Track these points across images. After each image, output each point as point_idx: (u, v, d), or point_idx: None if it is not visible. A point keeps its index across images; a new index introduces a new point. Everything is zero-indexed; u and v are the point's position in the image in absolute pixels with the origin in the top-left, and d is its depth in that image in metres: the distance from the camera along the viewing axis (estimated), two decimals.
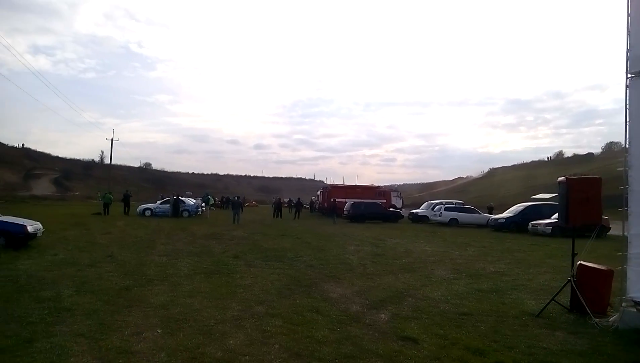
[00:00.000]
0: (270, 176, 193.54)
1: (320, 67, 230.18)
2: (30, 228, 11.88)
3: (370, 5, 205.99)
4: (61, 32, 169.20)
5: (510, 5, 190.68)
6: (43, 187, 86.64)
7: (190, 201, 31.95)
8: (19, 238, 11.63)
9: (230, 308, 6.37)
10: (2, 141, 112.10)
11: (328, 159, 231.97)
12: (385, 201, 35.53)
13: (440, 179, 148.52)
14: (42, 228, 12.75)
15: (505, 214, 24.43)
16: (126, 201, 30.47)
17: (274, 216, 31.86)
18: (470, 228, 25.71)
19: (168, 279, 8.44)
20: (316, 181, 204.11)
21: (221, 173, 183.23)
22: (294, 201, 41.55)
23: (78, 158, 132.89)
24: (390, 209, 32.43)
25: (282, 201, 34.00)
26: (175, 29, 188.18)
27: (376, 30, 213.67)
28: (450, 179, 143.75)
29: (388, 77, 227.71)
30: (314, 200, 44.11)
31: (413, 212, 31.09)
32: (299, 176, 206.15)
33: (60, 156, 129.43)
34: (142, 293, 7.18)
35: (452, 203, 30.35)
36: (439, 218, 27.24)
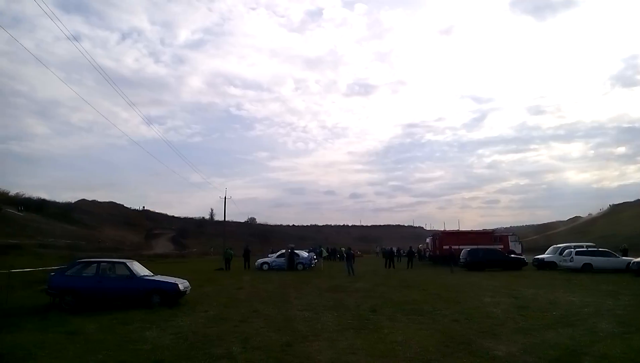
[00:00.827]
0: (368, 224, 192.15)
1: (410, 111, 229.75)
2: (181, 286, 12.83)
3: (456, 45, 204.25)
4: (170, 102, 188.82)
5: (616, 24, 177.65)
6: (163, 245, 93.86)
7: (304, 253, 32.65)
8: (171, 296, 12.58)
9: None
10: (125, 205, 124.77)
11: (425, 204, 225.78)
12: (502, 246, 33.50)
13: (554, 220, 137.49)
14: (189, 285, 13.67)
15: None
16: (246, 256, 31.98)
17: (386, 266, 31.35)
18: (606, 274, 23.08)
19: (321, 334, 8.55)
20: (415, 227, 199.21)
21: (320, 223, 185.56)
22: (403, 251, 40.78)
23: (190, 216, 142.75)
24: (512, 255, 30.43)
25: (393, 250, 33.39)
26: (268, 89, 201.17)
27: (463, 65, 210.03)
28: (565, 219, 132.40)
29: (481, 116, 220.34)
30: (422, 248, 42.80)
31: (537, 258, 28.86)
32: (397, 224, 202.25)
33: (175, 215, 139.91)
34: (305, 349, 7.34)
35: (583, 246, 27.73)
36: (569, 263, 24.95)
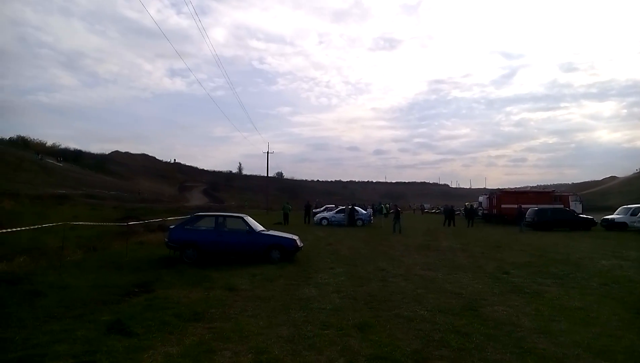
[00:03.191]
0: (393, 181, 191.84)
1: (435, 65, 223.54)
2: (298, 242, 12.63)
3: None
4: (194, 54, 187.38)
5: None
6: (197, 198, 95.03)
7: (362, 210, 32.46)
8: (290, 252, 12.41)
9: None
10: (157, 157, 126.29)
11: (450, 161, 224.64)
12: (562, 206, 32.71)
13: (583, 180, 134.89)
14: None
15: None
16: (308, 211, 31.94)
17: (444, 224, 31.00)
18: None
19: (489, 298, 8.14)
20: (441, 184, 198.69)
21: (344, 179, 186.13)
22: (460, 210, 40.20)
23: (219, 169, 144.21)
24: (581, 215, 29.71)
25: (453, 208, 32.93)
26: (291, 43, 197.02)
27: (493, 20, 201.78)
28: (598, 178, 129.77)
29: (511, 72, 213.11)
30: (473, 207, 41.95)
31: (607, 218, 28.05)
32: (422, 181, 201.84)
33: (205, 168, 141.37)
34: (497, 315, 6.95)
35: None
36: None
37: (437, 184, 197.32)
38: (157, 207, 51.29)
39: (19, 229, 9.25)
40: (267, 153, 57.85)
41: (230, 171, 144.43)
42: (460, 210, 48.40)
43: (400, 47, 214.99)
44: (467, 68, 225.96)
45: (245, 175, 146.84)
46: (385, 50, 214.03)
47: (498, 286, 9.34)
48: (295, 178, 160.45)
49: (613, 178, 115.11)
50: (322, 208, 42.23)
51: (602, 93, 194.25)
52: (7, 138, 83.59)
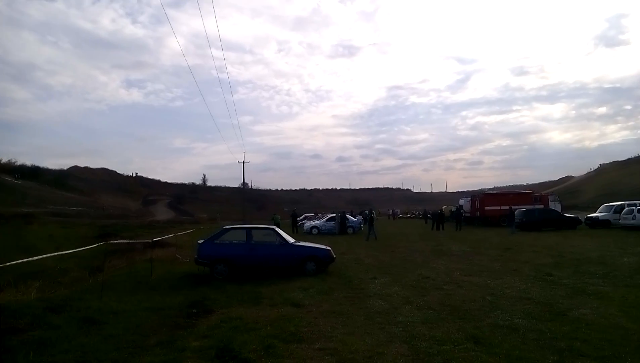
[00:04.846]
0: (357, 187, 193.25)
1: (394, 72, 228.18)
2: (332, 252, 12.24)
3: (441, 4, 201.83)
4: (151, 65, 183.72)
5: None
6: (162, 212, 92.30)
7: (352, 218, 32.28)
8: (325, 262, 12.01)
9: None
10: (118, 171, 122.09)
11: (410, 166, 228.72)
12: (542, 206, 33.69)
13: (536, 181, 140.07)
14: None
15: None
16: (294, 219, 31.43)
17: (433, 229, 31.28)
18: None
19: (562, 302, 8.08)
20: (404, 189, 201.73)
21: (308, 187, 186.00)
22: (429, 214, 40.57)
23: (181, 182, 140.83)
24: (567, 215, 30.65)
25: (442, 212, 33.25)
26: (250, 51, 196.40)
27: (448, 26, 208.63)
28: (553, 179, 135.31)
29: (465, 77, 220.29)
30: (460, 210, 42.44)
31: (591, 217, 29.09)
32: (385, 186, 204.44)
33: (168, 181, 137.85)
34: (587, 317, 6.87)
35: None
36: (631, 221, 25.09)
37: (400, 189, 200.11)
38: (129, 223, 49.41)
39: (62, 253, 8.37)
40: (243, 162, 57.24)
41: (194, 183, 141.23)
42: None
43: (359, 54, 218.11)
44: (423, 74, 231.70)
45: (210, 186, 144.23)
46: (345, 57, 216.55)
47: (557, 289, 9.24)
48: (260, 188, 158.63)
49: (569, 177, 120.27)
50: (301, 217, 41.85)
51: (552, 95, 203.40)
52: None
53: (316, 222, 32.02)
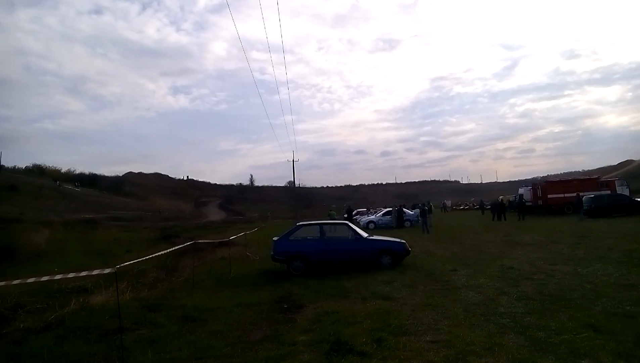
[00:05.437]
0: (403, 181, 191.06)
1: (436, 62, 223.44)
2: (407, 245, 12.04)
3: None
4: (196, 70, 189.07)
5: None
6: (214, 212, 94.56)
7: (409, 211, 31.85)
8: (401, 256, 11.82)
9: None
10: (170, 175, 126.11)
11: (457, 158, 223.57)
12: (609, 192, 32.01)
13: (592, 167, 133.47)
14: None
15: None
16: (350, 214, 31.40)
17: (494, 219, 30.36)
18: None
19: None
20: (451, 181, 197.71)
21: (353, 183, 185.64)
22: (487, 204, 39.49)
23: (228, 183, 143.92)
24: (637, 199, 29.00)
25: (503, 202, 32.25)
26: (290, 51, 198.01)
27: (491, 11, 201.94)
28: (610, 164, 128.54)
29: (512, 64, 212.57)
30: (510, 200, 41.17)
31: None
32: (433, 179, 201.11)
33: (217, 183, 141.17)
34: None
35: None
36: None
37: (447, 181, 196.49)
38: (186, 224, 50.90)
39: (161, 252, 8.60)
40: (293, 161, 57.08)
41: (241, 184, 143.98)
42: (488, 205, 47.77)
43: (399, 47, 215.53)
44: (468, 63, 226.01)
45: (257, 186, 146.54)
46: (385, 51, 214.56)
47: None
48: (306, 186, 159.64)
49: (630, 161, 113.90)
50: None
51: (606, 78, 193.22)
52: (23, 166, 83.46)
53: (372, 216, 31.80)
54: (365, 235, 12.16)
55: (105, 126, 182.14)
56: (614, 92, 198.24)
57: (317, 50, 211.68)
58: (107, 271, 5.60)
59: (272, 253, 11.86)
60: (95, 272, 5.58)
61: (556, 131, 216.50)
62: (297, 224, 12.76)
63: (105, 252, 21.64)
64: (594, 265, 10.22)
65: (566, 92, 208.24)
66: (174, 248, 8.96)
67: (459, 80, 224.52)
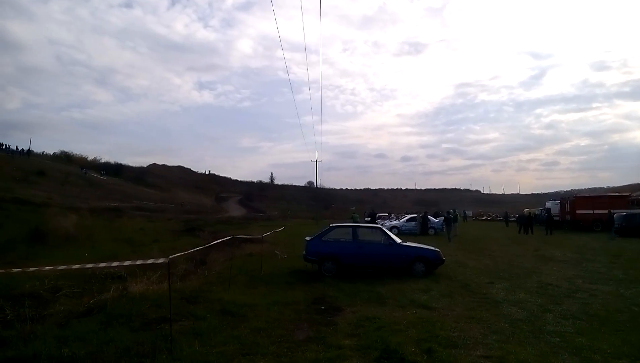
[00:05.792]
0: (423, 188, 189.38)
1: (462, 69, 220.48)
2: (442, 254, 11.86)
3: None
4: (221, 66, 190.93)
5: None
6: (234, 208, 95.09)
7: (434, 219, 31.51)
8: (435, 264, 11.65)
9: None
10: (193, 169, 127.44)
11: (479, 167, 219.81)
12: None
13: (617, 184, 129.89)
14: None
15: None
16: (373, 218, 31.21)
17: (520, 232, 29.83)
18: None
19: None
20: (472, 191, 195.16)
21: (372, 187, 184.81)
22: (514, 216, 38.83)
23: (249, 179, 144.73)
24: None
25: (531, 215, 31.63)
26: (315, 51, 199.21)
27: (520, 19, 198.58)
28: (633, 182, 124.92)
29: (540, 73, 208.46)
30: (536, 213, 40.30)
31: None
32: (453, 187, 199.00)
33: (238, 179, 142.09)
34: None
35: None
36: None
37: (468, 190, 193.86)
38: (208, 218, 51.30)
39: (207, 245, 8.59)
40: (317, 161, 57.38)
41: (261, 181, 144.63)
42: (513, 217, 47.02)
43: (425, 51, 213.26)
44: (494, 70, 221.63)
45: (277, 185, 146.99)
46: (411, 55, 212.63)
47: None
48: (325, 187, 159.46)
49: None
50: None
51: (636, 92, 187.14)
52: (51, 153, 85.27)
53: (395, 222, 31.53)
54: (398, 240, 12.02)
55: (130, 118, 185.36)
56: None
57: (342, 51, 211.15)
58: (160, 260, 5.60)
59: (304, 252, 11.82)
60: (150, 261, 5.55)
61: (582, 144, 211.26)
62: (331, 225, 12.69)
63: (133, 241, 21.90)
64: (636, 287, 9.92)
65: (594, 105, 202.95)
66: (214, 242, 8.96)
67: (484, 87, 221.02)
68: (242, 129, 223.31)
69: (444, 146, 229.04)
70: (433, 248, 11.95)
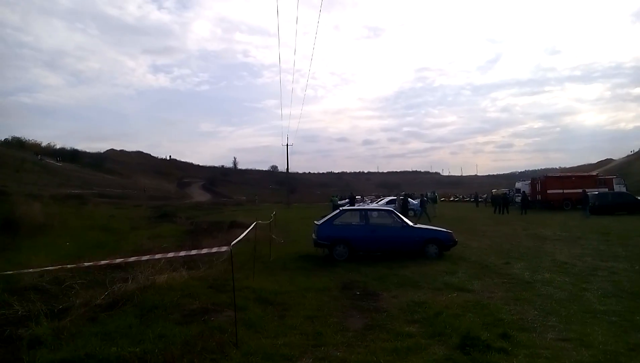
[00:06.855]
0: (385, 171, 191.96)
1: (421, 53, 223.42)
2: (454, 236, 11.74)
3: None
4: (177, 49, 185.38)
5: None
6: (197, 193, 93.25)
7: (413, 201, 31.71)
8: (448, 246, 11.50)
9: None
10: (152, 154, 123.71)
11: (438, 150, 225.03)
12: (607, 189, 32.48)
13: (569, 165, 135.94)
14: None
15: None
16: (352, 202, 31.16)
17: (496, 212, 30.53)
18: None
19: None
20: (432, 173, 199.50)
21: (335, 170, 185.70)
22: (487, 197, 39.64)
23: (211, 164, 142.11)
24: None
25: (507, 194, 32.37)
26: (274, 34, 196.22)
27: (477, 4, 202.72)
28: (594, 162, 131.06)
29: (496, 57, 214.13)
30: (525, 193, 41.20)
31: None
32: (414, 169, 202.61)
33: (200, 164, 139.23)
34: None
35: None
36: None
37: (428, 172, 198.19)
38: (178, 204, 50.01)
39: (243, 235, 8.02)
40: (287, 145, 56.54)
41: (223, 166, 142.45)
42: (483, 198, 48.26)
43: (385, 35, 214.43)
44: (452, 55, 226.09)
45: (240, 169, 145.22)
46: (371, 38, 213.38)
47: None
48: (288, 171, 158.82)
49: (609, 160, 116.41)
50: (345, 201, 41.32)
51: (586, 76, 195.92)
52: (2, 138, 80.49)
53: (374, 205, 31.48)
54: (410, 223, 11.81)
55: (83, 102, 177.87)
56: (593, 90, 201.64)
57: (303, 34, 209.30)
58: (224, 249, 5.13)
59: (314, 236, 11.44)
60: (214, 250, 5.07)
61: (536, 126, 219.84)
62: (341, 209, 12.34)
63: (110, 228, 20.83)
64: None
65: (547, 88, 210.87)
66: (247, 231, 8.40)
67: (442, 71, 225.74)
68: (201, 113, 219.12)
69: (405, 129, 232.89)
70: (446, 230, 11.83)
